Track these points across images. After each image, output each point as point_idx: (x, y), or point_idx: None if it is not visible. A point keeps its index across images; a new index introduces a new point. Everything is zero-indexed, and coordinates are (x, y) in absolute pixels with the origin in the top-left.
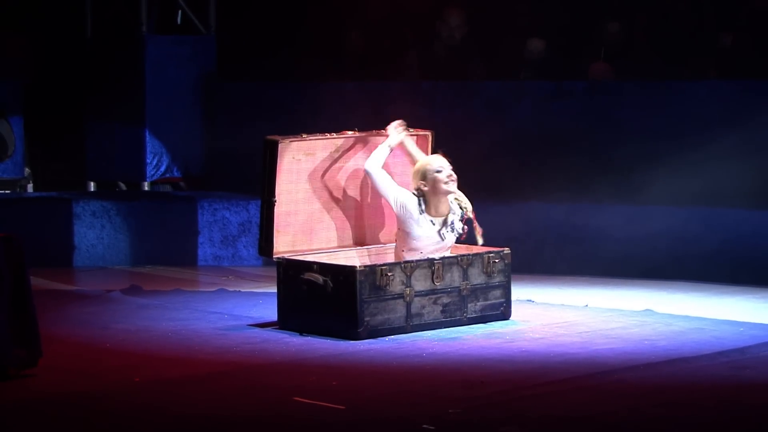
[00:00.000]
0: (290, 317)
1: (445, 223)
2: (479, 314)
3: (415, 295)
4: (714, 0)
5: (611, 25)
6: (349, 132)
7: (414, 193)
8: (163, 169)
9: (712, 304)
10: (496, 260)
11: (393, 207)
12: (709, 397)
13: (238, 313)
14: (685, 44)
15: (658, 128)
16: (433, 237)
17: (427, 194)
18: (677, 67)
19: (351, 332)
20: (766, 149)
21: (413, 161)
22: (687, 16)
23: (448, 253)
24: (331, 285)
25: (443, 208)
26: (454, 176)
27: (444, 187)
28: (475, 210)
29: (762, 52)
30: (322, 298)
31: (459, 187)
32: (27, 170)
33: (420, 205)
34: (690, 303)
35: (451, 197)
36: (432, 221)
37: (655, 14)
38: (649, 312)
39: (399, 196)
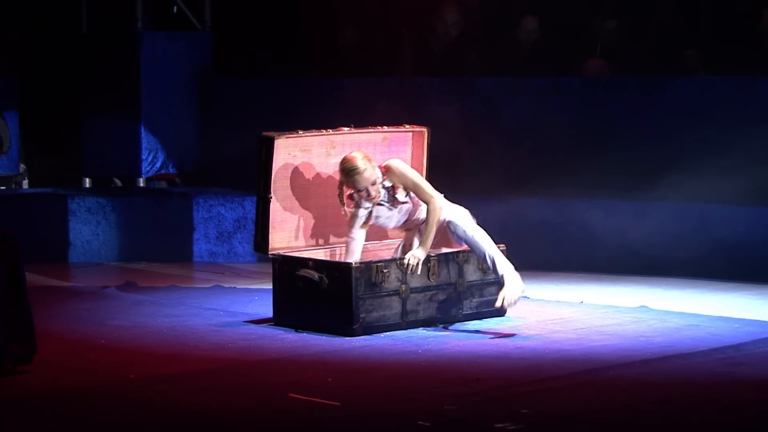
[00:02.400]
0: (286, 314)
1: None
2: (475, 311)
3: (411, 292)
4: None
5: (608, 22)
6: (345, 128)
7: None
8: (158, 165)
9: (707, 300)
10: None
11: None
12: (705, 393)
13: (234, 310)
14: (679, 41)
15: (653, 125)
16: (382, 212)
17: None
18: (670, 64)
19: (346, 329)
20: (760, 146)
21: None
22: (679, 14)
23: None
24: (327, 281)
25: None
26: (367, 196)
27: (363, 201)
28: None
29: (751, 48)
30: (318, 294)
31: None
32: (22, 166)
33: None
34: (685, 299)
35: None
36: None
37: (649, 11)
38: (644, 308)
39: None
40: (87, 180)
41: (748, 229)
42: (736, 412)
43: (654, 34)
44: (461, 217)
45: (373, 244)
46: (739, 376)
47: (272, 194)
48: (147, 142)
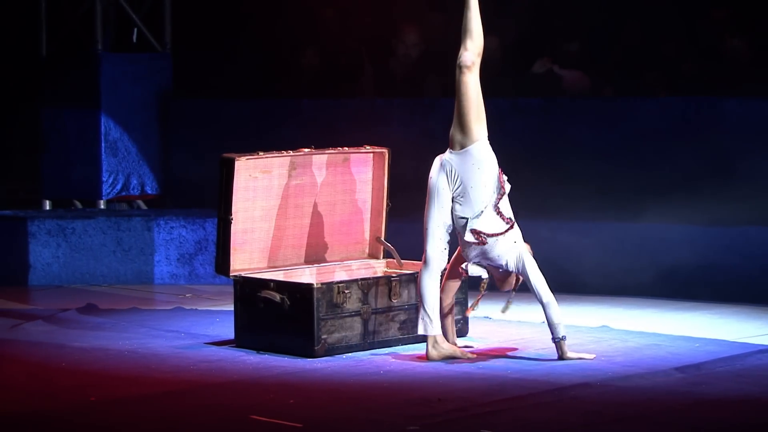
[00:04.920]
0: (247, 335)
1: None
2: None
3: (372, 313)
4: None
5: (570, 44)
6: (305, 149)
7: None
8: (119, 187)
9: (668, 320)
10: None
11: None
12: (665, 412)
13: (195, 332)
14: (639, 62)
15: (612, 145)
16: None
17: None
18: (631, 84)
19: (308, 350)
20: (720, 166)
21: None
22: (640, 35)
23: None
24: (288, 303)
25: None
26: None
27: None
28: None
29: (709, 69)
30: (279, 315)
31: None
32: None
33: None
34: (646, 319)
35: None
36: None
37: (611, 33)
38: (605, 328)
39: None
40: (47, 202)
41: (708, 249)
42: (697, 431)
43: (616, 55)
44: None
45: (334, 265)
46: (699, 395)
47: (233, 216)
48: (107, 163)
